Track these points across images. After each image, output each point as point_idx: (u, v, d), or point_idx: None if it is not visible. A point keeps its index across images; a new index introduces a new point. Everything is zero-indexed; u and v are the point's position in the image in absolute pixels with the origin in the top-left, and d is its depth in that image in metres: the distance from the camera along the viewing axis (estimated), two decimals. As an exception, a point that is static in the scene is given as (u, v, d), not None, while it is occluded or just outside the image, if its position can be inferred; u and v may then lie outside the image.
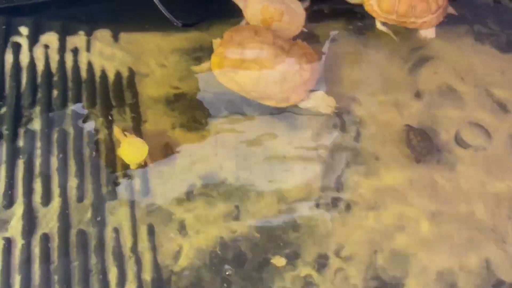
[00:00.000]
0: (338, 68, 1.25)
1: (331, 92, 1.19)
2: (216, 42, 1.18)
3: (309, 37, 1.24)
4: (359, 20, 1.31)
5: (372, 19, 1.26)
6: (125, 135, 1.08)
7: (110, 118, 1.13)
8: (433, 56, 1.27)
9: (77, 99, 1.15)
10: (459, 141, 1.15)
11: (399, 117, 1.19)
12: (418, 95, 1.22)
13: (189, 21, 1.25)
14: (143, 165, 1.08)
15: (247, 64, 1.08)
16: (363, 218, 1.06)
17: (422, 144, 1.12)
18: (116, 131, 1.09)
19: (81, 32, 1.24)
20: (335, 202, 1.08)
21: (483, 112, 1.19)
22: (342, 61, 1.26)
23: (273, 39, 1.12)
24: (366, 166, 1.12)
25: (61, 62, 1.19)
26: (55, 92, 1.14)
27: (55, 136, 1.09)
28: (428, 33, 1.24)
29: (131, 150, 1.05)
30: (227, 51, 1.12)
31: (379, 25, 1.24)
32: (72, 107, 1.14)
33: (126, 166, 1.07)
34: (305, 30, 1.22)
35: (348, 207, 1.07)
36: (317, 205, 1.07)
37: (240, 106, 1.18)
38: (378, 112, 1.19)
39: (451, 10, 1.25)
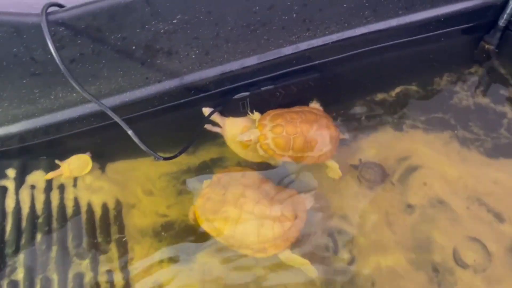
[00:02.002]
0: (326, 185, 1.24)
1: (319, 208, 1.18)
2: (206, 182, 1.19)
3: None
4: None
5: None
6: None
7: (96, 259, 1.12)
8: (421, 166, 1.25)
9: (62, 241, 1.14)
10: (458, 260, 1.11)
11: (392, 235, 1.16)
12: (408, 209, 1.20)
13: (173, 149, 1.27)
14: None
15: (226, 209, 1.07)
16: None
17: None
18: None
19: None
20: None
21: (478, 225, 1.15)
22: (328, 180, 1.25)
23: (260, 183, 1.11)
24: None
25: (47, 202, 1.19)
26: (38, 236, 1.14)
27: (38, 285, 1.07)
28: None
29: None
30: (211, 192, 1.12)
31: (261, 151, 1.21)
32: (56, 251, 1.12)
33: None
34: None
35: None
36: None
37: None
38: (369, 230, 1.16)
39: (342, 136, 1.26)
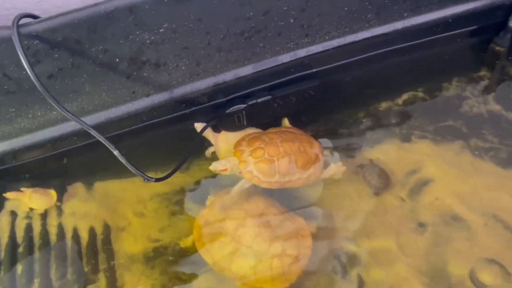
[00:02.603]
0: (330, 202, 1.15)
1: (324, 229, 1.09)
2: (210, 198, 1.10)
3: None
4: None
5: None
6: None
7: (82, 290, 1.03)
8: (432, 179, 1.16)
9: (45, 272, 1.04)
10: (476, 282, 1.02)
11: (403, 257, 1.07)
12: (420, 228, 1.11)
13: (165, 167, 1.18)
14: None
15: (224, 239, 0.98)
16: None
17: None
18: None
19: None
20: None
21: (496, 244, 1.06)
22: (331, 197, 1.15)
23: (264, 207, 1.02)
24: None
25: (28, 229, 1.09)
26: (19, 268, 1.04)
27: (18, 325, 0.98)
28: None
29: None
30: (210, 215, 1.03)
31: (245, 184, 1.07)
32: (38, 284, 1.02)
33: None
34: None
35: None
36: None
37: None
38: (379, 252, 1.08)
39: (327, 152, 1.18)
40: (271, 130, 1.14)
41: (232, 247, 0.97)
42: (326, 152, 1.18)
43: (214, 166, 1.06)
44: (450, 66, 1.34)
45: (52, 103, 0.91)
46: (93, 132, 0.96)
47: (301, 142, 1.08)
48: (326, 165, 1.13)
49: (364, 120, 1.26)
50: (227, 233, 0.99)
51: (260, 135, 1.10)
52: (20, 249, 1.07)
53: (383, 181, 1.16)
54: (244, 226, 0.98)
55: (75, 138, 1.13)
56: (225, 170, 1.06)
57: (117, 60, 1.01)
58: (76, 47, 0.94)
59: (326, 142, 1.23)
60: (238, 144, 1.09)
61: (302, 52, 1.18)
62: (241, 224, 0.98)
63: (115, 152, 0.97)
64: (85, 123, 0.94)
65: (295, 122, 1.22)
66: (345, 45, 1.20)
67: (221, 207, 1.04)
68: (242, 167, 1.04)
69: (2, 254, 1.06)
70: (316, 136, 1.21)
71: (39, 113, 1.06)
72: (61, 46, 0.92)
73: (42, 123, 1.08)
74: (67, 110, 0.93)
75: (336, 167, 1.13)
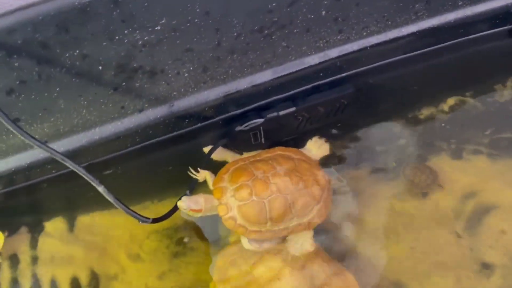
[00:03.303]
0: (366, 237, 0.94)
1: (367, 274, 0.88)
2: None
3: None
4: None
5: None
6: None
7: None
8: (494, 205, 0.95)
9: None
10: None
11: (469, 311, 0.86)
12: (486, 269, 0.90)
13: (164, 200, 0.96)
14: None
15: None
16: None
17: None
18: None
19: (24, 229, 0.95)
20: None
21: None
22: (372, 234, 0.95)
23: (307, 257, 0.80)
24: None
25: (-8, 284, 0.88)
26: None
27: None
28: None
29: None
30: (238, 255, 0.83)
31: (246, 244, 0.85)
32: None
33: None
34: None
35: None
36: None
37: None
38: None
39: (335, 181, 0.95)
40: (263, 154, 0.90)
41: None
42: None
43: (186, 204, 0.82)
44: (505, 64, 1.12)
45: (10, 128, 0.68)
46: (70, 164, 0.74)
47: (302, 174, 0.83)
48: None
49: (403, 132, 1.05)
50: (258, 282, 0.78)
51: (247, 165, 0.85)
52: (-19, 314, 0.85)
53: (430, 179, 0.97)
54: (280, 279, 0.77)
55: (48, 167, 0.92)
56: (199, 211, 0.82)
57: (100, 68, 0.78)
58: (43, 52, 0.71)
59: (360, 160, 1.01)
60: (218, 178, 0.85)
61: (333, 52, 0.96)
62: (276, 276, 0.78)
63: (100, 189, 0.77)
64: (55, 151, 0.71)
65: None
66: (385, 42, 0.99)
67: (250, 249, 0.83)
68: (221, 211, 0.81)
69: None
70: (347, 154, 1.01)
71: None
72: (22, 52, 0.70)
73: (5, 149, 0.86)
74: (30, 135, 0.70)
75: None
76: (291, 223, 0.82)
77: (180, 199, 0.84)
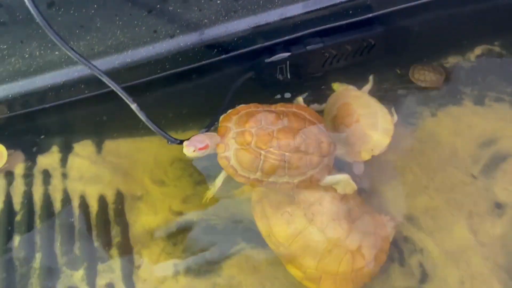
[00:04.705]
0: (381, 171, 0.97)
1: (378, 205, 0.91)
2: None
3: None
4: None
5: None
6: None
7: (92, 269, 0.86)
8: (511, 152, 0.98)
9: (48, 246, 0.88)
10: None
11: (478, 246, 0.89)
12: (498, 209, 0.92)
13: (191, 127, 0.99)
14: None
15: (291, 211, 0.80)
16: None
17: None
18: None
19: (55, 148, 0.99)
20: None
21: None
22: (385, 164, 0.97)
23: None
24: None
25: (27, 194, 0.93)
26: (16, 240, 0.88)
27: (18, 312, 0.82)
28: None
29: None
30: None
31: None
32: (40, 259, 0.87)
33: None
34: None
35: None
36: None
37: (262, 238, 0.87)
38: (445, 238, 0.90)
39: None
40: (279, 106, 0.89)
41: (300, 223, 0.80)
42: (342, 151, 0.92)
43: (192, 145, 0.80)
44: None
45: (54, 40, 0.70)
46: (106, 80, 0.76)
47: (307, 137, 0.82)
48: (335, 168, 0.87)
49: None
50: (297, 206, 0.81)
51: (258, 112, 0.84)
52: (18, 218, 0.90)
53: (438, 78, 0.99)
54: (322, 204, 0.81)
55: (82, 86, 0.94)
56: (206, 147, 0.81)
57: (137, -14, 0.79)
58: (84, -35, 0.72)
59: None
60: (227, 117, 0.85)
61: (365, -11, 0.95)
62: (318, 200, 0.81)
63: (133, 106, 0.79)
64: (97, 68, 0.74)
65: (346, 77, 1.01)
66: (417, -19, 0.97)
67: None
68: (219, 149, 0.82)
69: (-4, 223, 0.89)
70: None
71: (37, 53, 0.86)
72: (64, -38, 0.71)
73: (42, 65, 0.89)
74: (73, 49, 0.72)
75: (344, 179, 0.85)
76: (281, 179, 0.82)
77: (176, 142, 0.83)
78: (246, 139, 0.80)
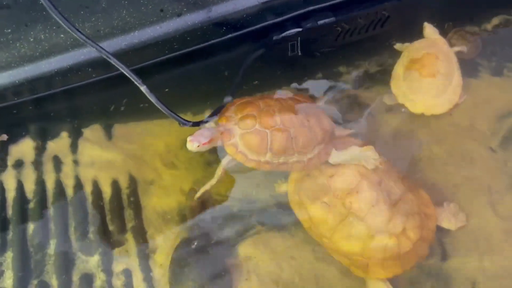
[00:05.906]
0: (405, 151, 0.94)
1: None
2: None
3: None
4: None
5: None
6: None
7: (108, 254, 0.86)
8: (530, 125, 0.96)
9: (62, 231, 0.88)
10: None
11: (498, 221, 0.87)
12: (517, 183, 0.90)
13: (202, 108, 0.96)
14: None
15: (329, 201, 0.79)
16: None
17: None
18: None
19: (64, 134, 0.98)
20: None
21: None
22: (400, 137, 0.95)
23: (384, 173, 0.81)
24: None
25: (39, 181, 0.92)
26: (30, 227, 0.88)
27: (32, 292, 0.82)
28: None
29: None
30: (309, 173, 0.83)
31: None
32: (55, 245, 0.87)
33: None
34: None
35: None
36: None
37: (277, 218, 0.89)
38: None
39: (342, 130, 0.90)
40: (272, 95, 0.90)
41: (340, 213, 0.78)
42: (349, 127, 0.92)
43: (196, 140, 0.79)
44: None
45: (60, 21, 0.68)
46: (114, 62, 0.74)
47: (307, 114, 0.83)
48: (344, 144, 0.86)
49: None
50: (335, 195, 0.80)
51: (254, 100, 0.85)
52: (31, 205, 0.90)
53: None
54: (358, 191, 0.79)
55: (89, 69, 0.92)
56: (210, 141, 0.81)
57: (141, -37, 0.76)
58: None
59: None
60: (225, 109, 0.86)
61: (378, -42, 0.92)
62: (355, 188, 0.79)
63: (143, 88, 0.77)
64: (105, 50, 0.72)
65: (358, 52, 0.98)
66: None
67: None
68: (225, 138, 0.81)
69: (10, 211, 0.89)
70: (381, 69, 0.98)
71: (42, 36, 0.85)
72: None
73: (48, 49, 0.88)
74: (79, 31, 0.70)
75: (360, 150, 0.84)
76: (291, 158, 0.82)
77: (188, 125, 0.82)
78: (250, 122, 0.79)
